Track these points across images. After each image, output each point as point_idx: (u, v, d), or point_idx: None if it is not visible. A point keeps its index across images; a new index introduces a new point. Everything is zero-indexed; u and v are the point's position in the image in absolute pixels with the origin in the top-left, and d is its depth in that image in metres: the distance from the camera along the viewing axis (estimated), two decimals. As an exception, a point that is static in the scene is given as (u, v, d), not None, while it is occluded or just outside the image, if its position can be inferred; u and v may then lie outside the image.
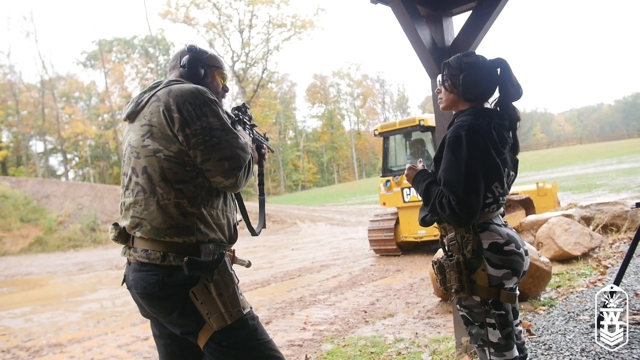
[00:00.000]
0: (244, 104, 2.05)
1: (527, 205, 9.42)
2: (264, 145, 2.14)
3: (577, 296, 4.36)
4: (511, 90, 1.88)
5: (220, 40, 40.11)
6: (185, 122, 1.61)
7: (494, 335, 1.83)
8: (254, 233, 2.02)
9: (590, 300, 4.16)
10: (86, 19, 70.25)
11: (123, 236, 1.69)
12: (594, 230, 6.91)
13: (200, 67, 1.85)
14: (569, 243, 5.99)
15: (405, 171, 2.09)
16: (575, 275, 5.24)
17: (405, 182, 8.67)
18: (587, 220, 7.28)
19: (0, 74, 41.25)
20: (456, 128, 1.82)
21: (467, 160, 1.74)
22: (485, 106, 1.93)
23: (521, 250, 1.83)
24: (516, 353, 1.87)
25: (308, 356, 3.99)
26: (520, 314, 4.03)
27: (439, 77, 2.01)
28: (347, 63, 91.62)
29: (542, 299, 4.42)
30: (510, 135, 1.90)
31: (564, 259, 5.97)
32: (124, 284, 1.77)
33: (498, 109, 1.90)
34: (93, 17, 74.66)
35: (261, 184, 2.19)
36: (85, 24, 76.17)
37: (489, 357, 1.86)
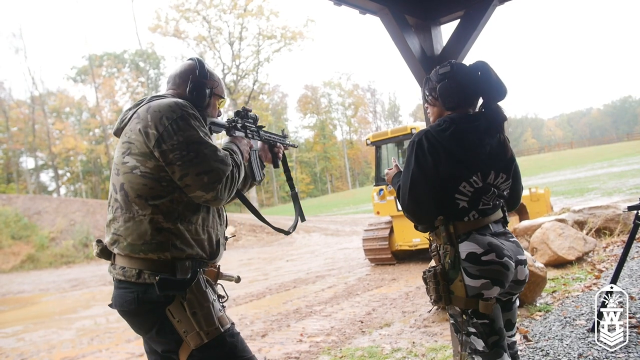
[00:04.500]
0: (244, 107, 2.01)
1: (520, 210, 9.45)
2: (277, 144, 2.11)
3: (572, 301, 4.36)
4: (493, 91, 1.89)
5: (210, 53, 40.19)
6: (162, 138, 1.59)
7: (478, 344, 1.82)
8: (287, 232, 2.06)
9: (586, 304, 4.16)
10: (76, 34, 70.23)
11: (105, 253, 1.70)
12: (587, 234, 6.93)
13: (208, 96, 1.85)
14: (563, 248, 6.01)
15: (385, 176, 2.18)
16: (570, 279, 5.25)
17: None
18: (580, 225, 7.31)
19: (-11, 91, 41.08)
20: (415, 134, 1.88)
21: (414, 167, 1.82)
22: (470, 111, 1.94)
23: (504, 259, 1.79)
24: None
25: (305, 369, 3.95)
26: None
27: (423, 93, 2.07)
28: (338, 73, 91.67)
29: (538, 304, 4.42)
30: (490, 136, 1.89)
31: (559, 263, 5.99)
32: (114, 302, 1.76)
33: (483, 110, 1.91)
34: (83, 32, 74.68)
35: (289, 179, 2.22)
36: (75, 39, 76.08)
37: None
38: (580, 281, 5.10)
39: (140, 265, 1.60)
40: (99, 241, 1.73)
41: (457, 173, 1.81)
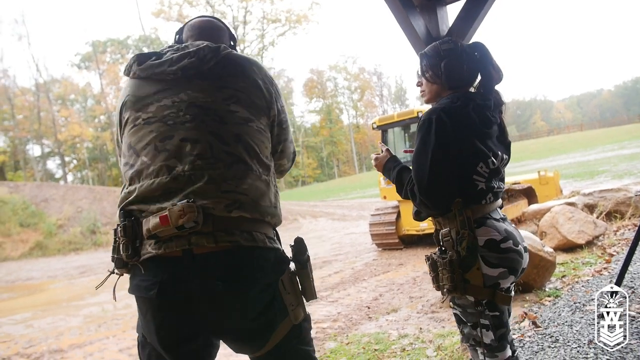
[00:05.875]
0: None
1: (529, 194, 9.36)
2: None
3: (582, 286, 4.30)
4: (493, 73, 1.80)
5: (215, 37, 40.00)
6: (277, 96, 1.50)
7: (487, 337, 1.75)
8: None
9: (596, 289, 4.09)
10: (79, 20, 69.98)
11: (201, 219, 1.27)
12: (597, 217, 6.83)
13: None
14: (573, 231, 5.92)
15: (373, 162, 2.04)
16: (580, 264, 5.18)
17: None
18: (590, 208, 7.21)
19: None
20: (428, 112, 1.73)
21: (434, 146, 1.65)
22: (471, 91, 1.85)
23: (520, 247, 1.72)
24: (509, 353, 1.79)
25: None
26: (525, 305, 3.97)
27: (418, 70, 1.91)
28: (344, 57, 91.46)
29: (547, 289, 4.36)
30: (497, 117, 1.81)
31: (568, 247, 5.91)
32: (175, 287, 1.30)
33: (482, 91, 1.82)
34: (86, 18, 74.42)
35: None
36: (79, 25, 75.87)
37: (481, 358, 1.80)
38: (591, 265, 5.02)
39: (264, 229, 1.39)
40: (193, 204, 1.27)
41: (478, 152, 1.70)
